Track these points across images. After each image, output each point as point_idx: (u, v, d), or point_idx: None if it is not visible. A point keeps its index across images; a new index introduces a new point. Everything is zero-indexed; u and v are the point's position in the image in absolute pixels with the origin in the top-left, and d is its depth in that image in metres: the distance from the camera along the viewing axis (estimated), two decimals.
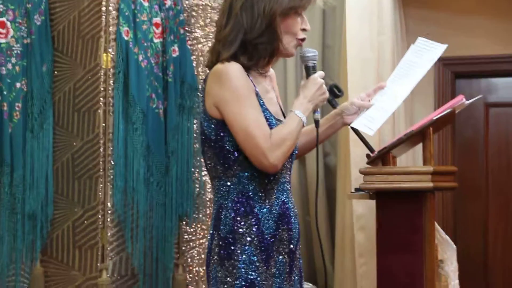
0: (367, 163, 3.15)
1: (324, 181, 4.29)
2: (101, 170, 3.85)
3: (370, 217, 3.79)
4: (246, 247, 2.53)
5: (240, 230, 2.53)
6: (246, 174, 2.55)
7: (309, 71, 2.64)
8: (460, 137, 5.07)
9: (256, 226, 2.53)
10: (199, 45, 4.18)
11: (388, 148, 3.10)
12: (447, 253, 3.28)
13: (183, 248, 4.01)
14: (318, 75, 2.62)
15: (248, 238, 2.53)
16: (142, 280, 3.88)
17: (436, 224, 3.14)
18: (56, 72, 4.02)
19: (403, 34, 4.74)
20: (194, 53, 4.15)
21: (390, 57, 4.31)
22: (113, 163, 3.85)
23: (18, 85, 3.88)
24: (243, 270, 2.52)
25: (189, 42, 4.13)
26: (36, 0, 3.94)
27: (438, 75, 4.96)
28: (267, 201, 2.56)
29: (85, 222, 3.87)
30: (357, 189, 3.20)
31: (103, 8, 3.89)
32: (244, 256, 2.52)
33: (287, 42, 2.59)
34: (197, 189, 4.07)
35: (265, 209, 2.56)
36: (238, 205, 2.55)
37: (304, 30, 2.63)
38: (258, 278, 2.52)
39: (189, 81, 4.08)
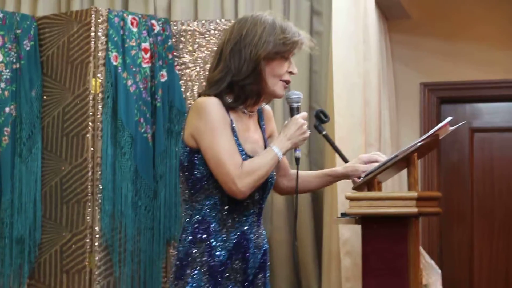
0: (353, 188, 3.17)
1: (312, 206, 4.30)
2: (89, 194, 3.86)
3: (356, 241, 3.81)
4: (196, 272, 2.70)
5: (193, 254, 2.71)
6: (209, 202, 2.72)
7: (293, 112, 2.82)
8: (445, 162, 5.11)
9: (208, 253, 2.70)
10: (187, 70, 4.20)
11: (373, 173, 3.13)
12: (432, 278, 3.31)
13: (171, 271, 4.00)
14: (300, 116, 2.79)
15: (199, 263, 2.70)
16: None
17: (421, 248, 3.17)
18: (45, 97, 4.04)
19: (389, 59, 4.78)
20: (182, 78, 4.17)
21: (376, 82, 4.35)
22: (101, 187, 3.86)
23: (7, 109, 3.90)
24: None
25: (178, 67, 4.16)
26: (26, 26, 3.97)
27: (423, 99, 5.00)
28: (224, 230, 2.72)
29: (73, 246, 3.87)
30: (343, 214, 3.22)
31: (92, 34, 3.92)
32: (192, 280, 2.69)
33: (272, 84, 2.77)
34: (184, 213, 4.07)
35: (220, 238, 2.72)
36: (196, 230, 2.72)
37: (291, 73, 2.79)
38: None
39: (178, 105, 4.10)
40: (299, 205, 4.25)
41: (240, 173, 2.65)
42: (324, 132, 3.14)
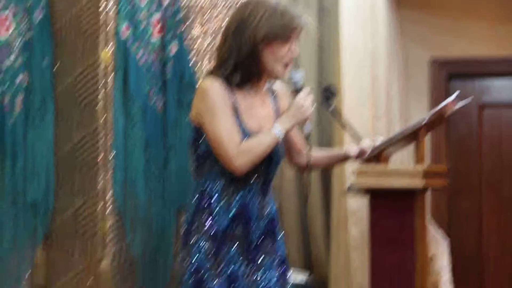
0: (361, 162, 3.21)
1: (321, 177, 4.35)
2: (100, 162, 3.89)
3: (364, 212, 3.85)
4: (199, 237, 2.92)
5: (196, 222, 2.94)
6: (212, 174, 2.95)
7: (295, 91, 2.96)
8: (454, 135, 5.14)
9: (209, 221, 2.91)
10: (197, 43, 4.22)
11: (381, 147, 3.16)
12: (439, 249, 3.35)
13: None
14: (302, 94, 2.92)
15: (202, 230, 2.92)
16: (141, 269, 3.93)
17: (428, 219, 3.20)
18: (56, 67, 4.06)
19: (398, 36, 4.79)
20: (192, 50, 4.19)
21: (384, 58, 4.37)
22: (112, 155, 3.90)
23: (19, 78, 3.92)
24: (194, 256, 2.91)
25: (187, 40, 4.17)
26: None
27: (432, 75, 5.02)
28: (225, 200, 2.93)
29: (85, 212, 3.91)
30: (350, 187, 3.27)
31: (103, 5, 3.93)
32: (196, 245, 2.92)
33: (272, 66, 2.93)
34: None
35: (222, 207, 2.92)
36: (200, 199, 2.96)
37: (291, 55, 2.94)
38: (206, 266, 2.89)
39: (187, 78, 4.12)
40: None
41: (237, 152, 2.84)
42: (331, 109, 3.19)
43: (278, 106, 3.08)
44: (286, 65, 2.94)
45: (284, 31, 2.88)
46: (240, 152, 2.84)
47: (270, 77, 3.00)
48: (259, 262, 2.93)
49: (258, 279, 2.92)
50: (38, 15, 3.99)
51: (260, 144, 2.87)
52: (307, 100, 2.90)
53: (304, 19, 2.94)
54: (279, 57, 2.92)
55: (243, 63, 2.91)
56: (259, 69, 2.94)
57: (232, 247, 2.90)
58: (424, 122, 3.08)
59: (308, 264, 4.34)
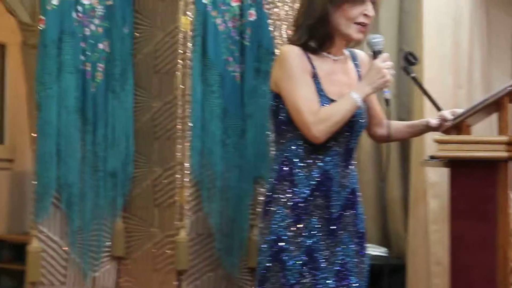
0: (442, 132, 3.16)
1: (399, 148, 4.30)
2: (179, 131, 3.92)
3: (444, 184, 3.80)
4: (280, 207, 2.88)
5: (278, 191, 2.90)
6: (292, 143, 2.90)
7: (374, 56, 2.89)
8: None
9: (290, 190, 2.87)
10: (276, 9, 4.19)
11: (462, 116, 3.10)
12: None
13: (258, 209, 4.02)
14: (381, 59, 2.86)
15: (283, 199, 2.88)
16: (218, 239, 3.96)
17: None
18: (136, 34, 4.10)
19: (482, 1, 4.68)
20: (271, 17, 4.16)
21: (468, 23, 4.27)
22: (190, 124, 3.92)
23: (100, 46, 3.97)
24: (274, 226, 2.87)
25: (266, 6, 4.15)
26: None
27: None
28: (306, 169, 2.88)
29: (164, 181, 3.96)
30: (431, 157, 3.22)
31: None
32: (277, 215, 2.87)
33: (345, 27, 2.88)
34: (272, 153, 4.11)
35: (302, 176, 2.88)
36: (281, 168, 2.91)
37: (366, 16, 2.87)
38: (286, 236, 2.85)
39: (266, 45, 4.11)
40: (385, 148, 4.25)
41: (315, 120, 2.80)
42: (412, 75, 3.15)
43: (361, 73, 3.04)
44: (361, 28, 2.88)
45: None
46: (318, 120, 2.81)
47: (346, 40, 2.94)
48: (338, 235, 2.91)
49: (337, 253, 2.90)
50: None
51: (338, 111, 2.83)
52: (386, 65, 2.86)
53: None
54: (351, 18, 2.86)
55: (315, 27, 2.87)
56: (331, 32, 2.89)
57: (313, 218, 2.88)
58: (507, 90, 3.00)
59: (385, 240, 4.32)
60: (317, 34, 2.88)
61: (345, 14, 2.85)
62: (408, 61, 3.16)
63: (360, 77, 3.01)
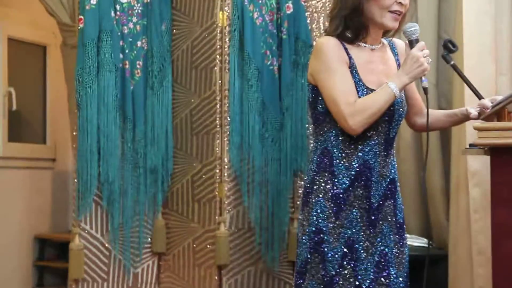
0: (482, 119, 3.12)
1: (439, 137, 4.25)
2: (217, 126, 3.94)
3: (485, 173, 3.75)
4: (320, 198, 2.85)
5: (317, 182, 2.87)
6: (332, 134, 2.87)
7: (410, 45, 2.86)
8: None
9: (331, 181, 2.85)
10: (313, 2, 4.18)
11: (503, 103, 3.06)
12: None
13: (298, 202, 4.05)
14: (417, 47, 2.82)
15: (323, 191, 2.85)
16: (258, 233, 3.98)
17: None
18: (174, 31, 4.12)
19: None
20: (308, 10, 4.15)
21: (509, 9, 4.20)
22: (229, 119, 3.93)
23: (139, 43, 4.00)
24: (314, 217, 2.85)
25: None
26: None
27: None
28: (345, 159, 2.85)
29: (203, 176, 3.98)
30: (471, 145, 3.18)
31: None
32: (317, 206, 2.85)
33: (379, 16, 2.85)
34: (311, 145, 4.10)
35: (342, 167, 2.85)
36: (320, 160, 2.88)
37: (401, 4, 2.84)
38: (326, 228, 2.83)
39: (303, 37, 4.10)
40: (426, 139, 4.21)
41: (351, 111, 2.78)
42: (452, 62, 3.10)
43: (399, 62, 3.01)
44: (396, 16, 2.85)
45: None
46: (355, 111, 2.78)
47: (381, 29, 2.92)
48: (378, 226, 2.88)
49: (376, 244, 2.88)
50: None
51: (375, 102, 2.80)
52: (423, 53, 2.83)
53: None
54: (385, 7, 2.82)
55: (350, 17, 2.84)
56: (366, 22, 2.86)
57: (353, 210, 2.86)
58: None
59: (426, 230, 4.27)
60: (352, 24, 2.86)
61: (379, 3, 2.82)
62: (448, 49, 3.11)
63: (399, 66, 2.98)
